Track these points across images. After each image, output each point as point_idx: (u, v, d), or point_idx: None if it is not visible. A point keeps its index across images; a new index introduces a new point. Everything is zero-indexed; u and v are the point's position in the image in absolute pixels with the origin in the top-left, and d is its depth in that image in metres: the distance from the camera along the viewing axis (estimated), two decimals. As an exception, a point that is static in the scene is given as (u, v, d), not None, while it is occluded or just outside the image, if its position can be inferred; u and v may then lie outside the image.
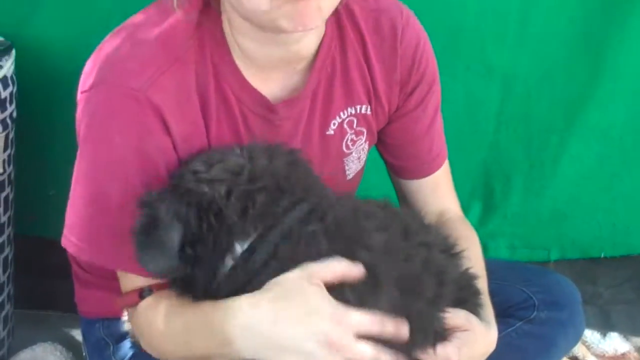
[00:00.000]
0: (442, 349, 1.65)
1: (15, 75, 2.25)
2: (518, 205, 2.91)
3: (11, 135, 2.22)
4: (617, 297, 2.94)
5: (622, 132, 2.79)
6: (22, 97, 2.26)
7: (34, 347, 2.39)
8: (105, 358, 2.05)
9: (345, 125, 1.94)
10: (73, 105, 1.73)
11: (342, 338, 1.45)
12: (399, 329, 1.50)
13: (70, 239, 1.76)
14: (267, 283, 1.50)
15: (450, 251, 1.80)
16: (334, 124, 1.91)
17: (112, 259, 1.75)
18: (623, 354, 2.79)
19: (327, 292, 1.47)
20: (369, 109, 1.95)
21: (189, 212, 1.54)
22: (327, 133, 1.91)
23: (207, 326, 1.57)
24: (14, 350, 2.41)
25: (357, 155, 2.00)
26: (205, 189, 1.55)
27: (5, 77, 2.18)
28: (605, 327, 2.86)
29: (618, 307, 2.91)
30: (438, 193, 2.12)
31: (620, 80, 2.69)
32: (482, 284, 1.87)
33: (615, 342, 2.80)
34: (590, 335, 2.78)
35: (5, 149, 2.19)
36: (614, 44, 2.64)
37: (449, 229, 1.95)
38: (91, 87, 1.68)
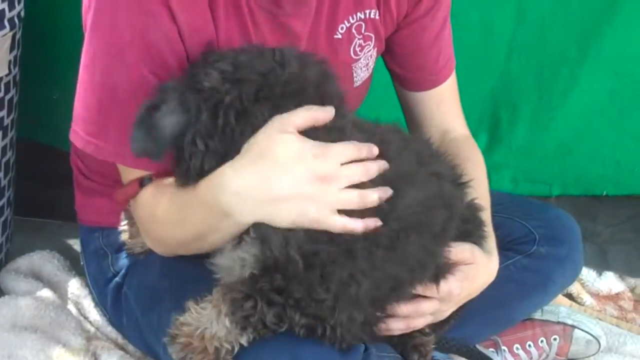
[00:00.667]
0: (445, 284, 1.68)
1: (23, -27, 2.21)
2: (524, 138, 2.90)
3: (18, 35, 2.18)
4: (616, 236, 2.95)
5: (635, 67, 2.77)
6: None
7: (31, 254, 2.38)
8: (104, 267, 2.07)
9: (353, 30, 1.91)
10: (80, 6, 1.71)
11: (331, 169, 1.49)
12: (371, 150, 1.53)
13: (77, 132, 1.75)
14: (243, 146, 1.52)
15: (458, 181, 1.80)
16: (342, 28, 1.89)
17: (115, 152, 1.73)
18: (617, 294, 2.80)
19: (301, 136, 1.50)
20: (377, 14, 1.93)
21: (201, 105, 1.53)
22: (335, 37, 1.89)
23: (203, 204, 1.58)
24: (12, 256, 2.40)
25: (365, 62, 1.98)
26: (229, 86, 1.54)
27: (14, -25, 2.14)
28: (601, 265, 2.86)
29: (616, 246, 2.91)
30: (443, 108, 2.11)
31: (637, 13, 2.66)
32: (486, 214, 1.88)
33: (610, 281, 2.80)
34: (587, 273, 2.78)
35: (11, 50, 2.15)
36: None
37: (454, 150, 1.95)
38: None
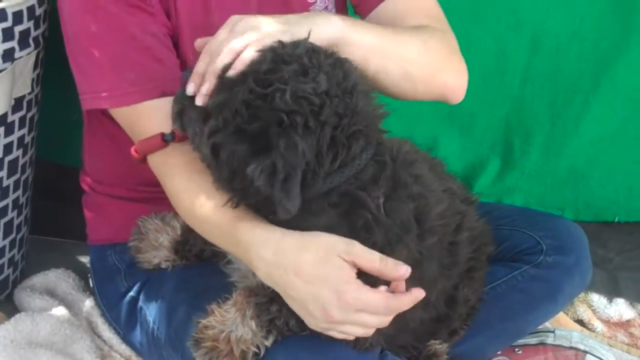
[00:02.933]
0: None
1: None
2: (536, 163, 2.91)
3: (42, 55, 2.22)
4: (627, 263, 2.93)
5: (648, 97, 2.78)
6: (56, 17, 2.23)
7: (46, 272, 2.39)
8: (117, 283, 2.08)
9: None
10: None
11: (349, 319, 1.52)
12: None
13: (83, 98, 1.83)
14: (311, 234, 1.54)
15: (468, 199, 1.83)
16: None
17: (112, 96, 1.79)
18: (628, 321, 2.79)
19: (351, 271, 1.51)
20: None
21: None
22: None
23: (231, 236, 1.62)
24: (27, 274, 2.42)
25: (322, 4, 2.00)
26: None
27: (40, -5, 2.17)
28: (612, 292, 2.85)
29: (626, 273, 2.90)
30: (399, 16, 1.96)
31: (650, 44, 2.68)
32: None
33: (621, 308, 2.79)
34: (597, 299, 2.78)
35: (35, 68, 2.18)
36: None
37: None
38: None
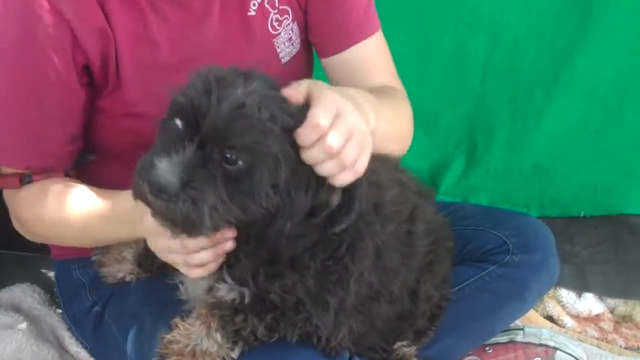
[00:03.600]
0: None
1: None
2: (500, 160, 2.92)
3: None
4: (594, 257, 2.95)
5: (608, 90, 2.79)
6: None
7: (11, 287, 2.37)
8: (82, 297, 2.06)
9: (266, 5, 1.93)
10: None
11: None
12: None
13: None
14: None
15: (421, 192, 1.88)
16: (254, 5, 1.91)
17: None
18: (597, 315, 2.80)
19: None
20: None
21: None
22: (249, 14, 1.91)
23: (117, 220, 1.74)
24: (-9, 290, 2.39)
25: (286, 36, 1.99)
26: None
27: None
28: (580, 286, 2.86)
29: (594, 267, 2.91)
30: (364, 69, 2.06)
31: (608, 37, 2.68)
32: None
33: (590, 303, 2.81)
34: (566, 295, 2.79)
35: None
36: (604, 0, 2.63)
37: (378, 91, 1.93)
38: None
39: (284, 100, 1.46)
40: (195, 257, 1.59)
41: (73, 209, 1.80)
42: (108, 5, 1.75)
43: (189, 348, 1.58)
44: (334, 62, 2.05)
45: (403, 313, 1.89)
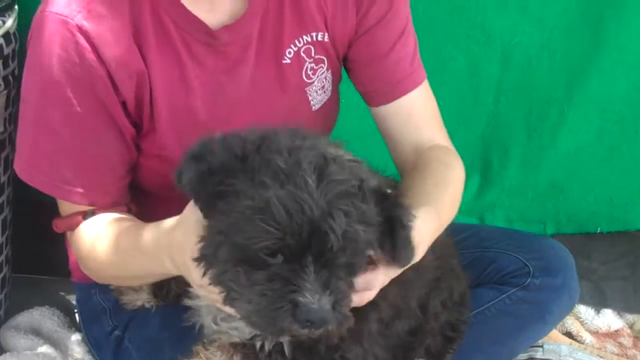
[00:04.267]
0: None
1: (17, 32, 2.24)
2: (515, 178, 2.91)
3: (12, 93, 2.21)
4: (612, 273, 2.94)
5: (622, 106, 2.79)
6: (24, 55, 2.23)
7: (31, 310, 2.38)
8: (103, 322, 2.07)
9: (302, 54, 1.93)
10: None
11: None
12: None
13: (18, 163, 1.85)
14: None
15: None
16: (290, 53, 1.91)
17: (47, 182, 1.83)
18: (616, 331, 2.79)
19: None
20: (326, 36, 1.94)
21: None
22: (284, 62, 1.91)
23: (146, 254, 1.68)
24: (10, 313, 2.40)
25: (320, 84, 1.99)
26: None
27: (7, 33, 2.17)
28: (599, 303, 2.85)
29: (612, 283, 2.90)
30: (414, 121, 2.05)
31: (621, 52, 2.69)
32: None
33: (608, 319, 2.79)
34: (585, 311, 2.78)
35: (6, 108, 2.17)
36: (615, 15, 2.64)
37: (427, 157, 1.96)
38: (36, 14, 1.78)
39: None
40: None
41: (112, 241, 1.78)
42: (146, 49, 1.77)
43: None
44: (382, 112, 2.05)
45: (412, 329, 1.89)
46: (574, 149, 2.84)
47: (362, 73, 2.03)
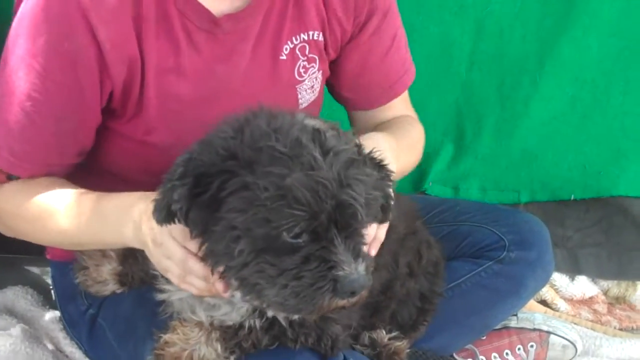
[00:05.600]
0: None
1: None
2: (489, 147, 2.92)
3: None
4: (586, 239, 2.96)
5: (594, 74, 2.79)
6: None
7: (4, 290, 2.37)
8: (77, 301, 2.06)
9: (297, 51, 1.94)
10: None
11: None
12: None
13: None
14: None
15: None
16: (286, 49, 1.92)
17: (10, 163, 1.79)
18: (591, 297, 2.82)
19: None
20: (321, 36, 1.95)
21: None
22: (281, 58, 1.91)
23: (107, 223, 1.69)
24: (-17, 293, 2.39)
25: (310, 84, 1.99)
26: None
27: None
28: (573, 270, 2.88)
29: (586, 249, 2.92)
30: (390, 115, 2.14)
31: (593, 19, 2.69)
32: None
33: (583, 286, 2.82)
34: (559, 278, 2.80)
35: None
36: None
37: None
38: None
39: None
40: (192, 278, 1.59)
41: (57, 205, 1.77)
42: (145, 34, 1.74)
43: (187, 352, 1.58)
44: (366, 114, 2.15)
45: (383, 285, 1.92)
46: (547, 117, 2.85)
47: (352, 82, 2.08)
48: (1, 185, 1.84)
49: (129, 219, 1.62)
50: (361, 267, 1.42)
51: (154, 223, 1.50)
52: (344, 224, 1.41)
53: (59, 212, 1.76)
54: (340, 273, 1.40)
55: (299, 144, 1.42)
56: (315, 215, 1.38)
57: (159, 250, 1.58)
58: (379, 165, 1.54)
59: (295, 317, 1.57)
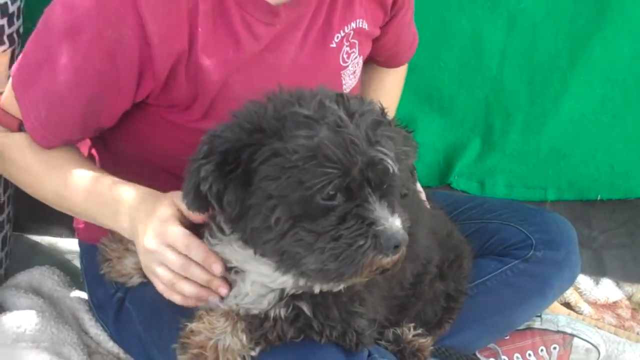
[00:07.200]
0: None
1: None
2: (517, 143, 2.90)
3: (17, 51, 2.18)
4: (611, 241, 2.95)
5: (625, 74, 2.77)
6: (29, 13, 2.21)
7: (31, 270, 2.38)
8: (106, 284, 2.06)
9: (345, 39, 1.96)
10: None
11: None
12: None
13: (15, 71, 1.82)
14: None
15: None
16: (337, 37, 1.94)
17: (26, 108, 1.81)
18: (615, 302, 2.80)
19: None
20: (365, 23, 1.98)
21: None
22: (330, 46, 1.94)
23: (108, 205, 1.75)
24: (10, 272, 2.40)
25: (352, 69, 2.01)
26: None
27: (13, -10, 2.13)
28: (597, 271, 2.86)
29: (612, 251, 2.91)
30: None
31: (625, 20, 2.67)
32: None
33: (607, 289, 2.80)
34: (584, 282, 2.79)
35: (10, 66, 2.15)
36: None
37: None
38: None
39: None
40: (183, 284, 1.63)
41: (64, 170, 1.81)
42: (201, 29, 1.74)
43: (212, 342, 1.58)
44: (383, 71, 2.34)
45: (412, 281, 1.92)
46: (577, 115, 2.83)
47: (386, 50, 2.19)
48: (11, 133, 1.86)
49: (126, 212, 1.67)
50: (398, 222, 1.42)
51: (151, 226, 1.55)
52: (377, 181, 1.42)
53: (64, 178, 1.80)
54: (381, 228, 1.40)
55: (323, 107, 1.43)
56: (348, 171, 1.39)
57: (151, 256, 1.62)
58: (404, 130, 1.55)
59: (339, 287, 1.56)
